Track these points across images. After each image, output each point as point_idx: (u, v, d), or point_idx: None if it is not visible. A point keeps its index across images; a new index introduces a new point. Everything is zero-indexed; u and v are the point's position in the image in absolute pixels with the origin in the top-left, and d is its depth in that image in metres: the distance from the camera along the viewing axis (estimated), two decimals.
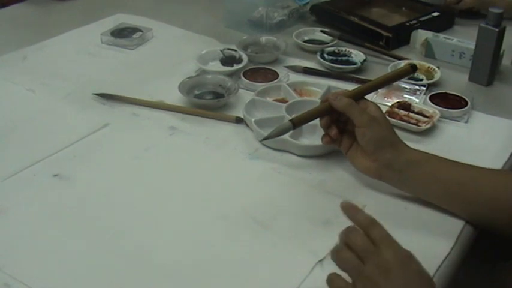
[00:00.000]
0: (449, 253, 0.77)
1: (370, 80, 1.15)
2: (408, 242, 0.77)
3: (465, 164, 0.83)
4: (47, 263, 0.75)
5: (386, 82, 0.95)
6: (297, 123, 0.87)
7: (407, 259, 0.64)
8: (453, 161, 0.85)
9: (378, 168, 0.84)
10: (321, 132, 0.95)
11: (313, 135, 0.96)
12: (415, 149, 0.85)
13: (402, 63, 1.20)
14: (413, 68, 0.95)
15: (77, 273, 0.73)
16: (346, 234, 0.66)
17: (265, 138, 0.87)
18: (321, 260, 0.75)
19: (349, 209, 0.68)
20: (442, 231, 0.80)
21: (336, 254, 0.66)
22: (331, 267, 0.74)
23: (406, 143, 0.98)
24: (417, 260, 0.65)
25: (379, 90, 1.12)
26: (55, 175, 0.90)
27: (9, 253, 0.76)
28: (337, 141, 0.88)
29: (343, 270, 0.66)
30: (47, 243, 0.78)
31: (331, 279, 0.66)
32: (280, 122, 0.93)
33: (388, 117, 1.02)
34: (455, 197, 0.81)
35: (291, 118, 0.88)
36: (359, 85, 0.94)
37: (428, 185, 0.82)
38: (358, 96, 0.88)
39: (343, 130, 0.88)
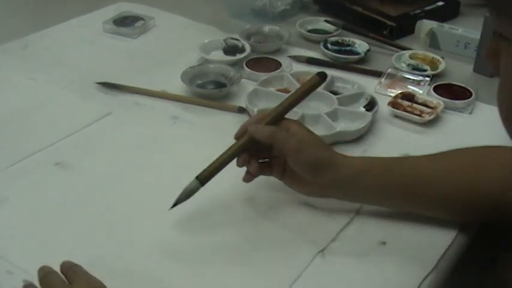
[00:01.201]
0: (450, 245, 0.76)
1: (374, 71, 1.16)
2: (409, 235, 0.78)
3: (415, 158, 0.80)
4: (49, 251, 0.75)
5: (300, 98, 0.84)
6: (206, 178, 0.78)
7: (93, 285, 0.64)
8: (402, 158, 0.82)
9: (321, 190, 0.79)
10: (324, 121, 0.95)
11: (316, 126, 0.96)
12: (356, 157, 0.81)
13: (406, 53, 1.20)
14: (322, 76, 0.84)
15: (79, 262, 0.73)
16: (42, 277, 0.66)
17: (174, 205, 0.77)
18: (321, 250, 0.75)
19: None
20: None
21: None
22: (332, 257, 0.74)
23: (409, 134, 0.98)
24: (101, 283, 0.64)
25: (382, 81, 1.12)
26: (57, 164, 0.90)
27: (11, 241, 0.76)
28: (266, 171, 0.81)
29: None
30: (49, 231, 0.78)
31: None
32: None
33: (391, 107, 1.02)
34: (408, 197, 0.77)
35: (196, 175, 0.78)
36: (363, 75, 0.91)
37: (378, 191, 0.78)
38: (278, 120, 0.80)
39: (269, 156, 0.81)
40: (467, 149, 0.79)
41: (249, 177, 0.81)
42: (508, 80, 0.47)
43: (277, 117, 0.81)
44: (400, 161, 0.82)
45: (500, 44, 0.47)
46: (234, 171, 0.80)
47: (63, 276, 0.66)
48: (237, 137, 0.81)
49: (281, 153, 0.79)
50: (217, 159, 0.79)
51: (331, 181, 0.77)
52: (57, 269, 0.68)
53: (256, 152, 0.81)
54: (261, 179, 0.84)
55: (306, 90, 0.84)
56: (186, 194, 0.77)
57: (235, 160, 0.80)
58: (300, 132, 0.78)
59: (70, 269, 0.67)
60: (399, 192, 0.78)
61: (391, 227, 0.79)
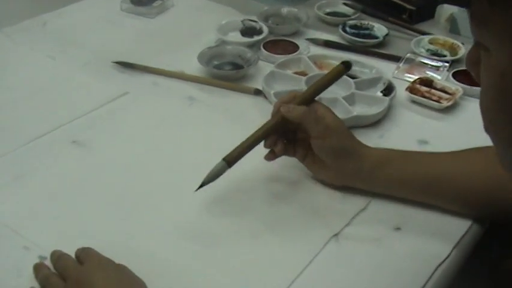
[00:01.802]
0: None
1: (392, 55, 1.15)
2: (424, 222, 0.78)
3: (433, 154, 0.81)
4: (64, 228, 0.76)
5: (327, 84, 0.85)
6: (232, 160, 0.78)
7: (103, 266, 0.65)
8: (420, 153, 0.82)
9: (342, 179, 0.80)
10: (341, 105, 0.95)
11: (332, 110, 0.95)
12: (377, 149, 0.81)
13: (426, 38, 1.19)
14: (347, 65, 0.86)
15: (94, 239, 0.74)
16: (55, 261, 0.67)
17: (201, 186, 0.77)
18: (336, 234, 0.75)
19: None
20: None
21: (44, 281, 0.66)
22: (346, 242, 0.74)
23: (427, 120, 0.98)
24: (115, 266, 0.65)
25: (400, 66, 1.11)
26: (73, 142, 0.91)
27: (27, 217, 0.77)
28: (290, 152, 0.82)
29: None
30: (65, 209, 0.79)
31: None
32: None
33: (409, 93, 1.01)
34: (426, 189, 0.78)
35: (224, 157, 0.78)
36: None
37: (397, 182, 0.79)
38: (307, 102, 0.81)
39: (294, 139, 0.82)
40: (486, 148, 0.79)
41: (271, 157, 0.82)
42: (487, 88, 0.48)
43: (307, 99, 0.82)
44: (420, 156, 0.82)
45: (480, 53, 0.48)
46: (252, 154, 0.80)
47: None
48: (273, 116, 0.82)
49: (306, 136, 0.80)
50: (245, 140, 0.79)
51: (352, 170, 0.79)
52: (72, 253, 0.69)
53: (282, 133, 0.82)
54: (280, 162, 0.85)
55: (332, 78, 0.85)
56: (213, 176, 0.77)
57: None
58: (327, 117, 0.80)
59: (82, 251, 0.68)
60: (417, 186, 0.78)
61: (406, 213, 0.79)
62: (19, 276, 0.68)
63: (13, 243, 0.73)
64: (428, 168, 0.78)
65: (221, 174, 0.77)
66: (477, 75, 0.50)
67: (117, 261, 0.70)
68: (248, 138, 0.79)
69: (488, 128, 0.51)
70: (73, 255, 0.70)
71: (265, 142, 0.81)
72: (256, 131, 0.80)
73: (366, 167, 0.78)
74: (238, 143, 0.79)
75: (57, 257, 0.68)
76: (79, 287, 0.63)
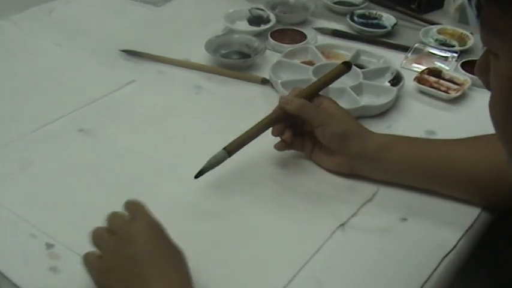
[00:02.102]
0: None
1: (401, 45, 1.14)
2: (431, 212, 0.77)
3: (439, 140, 0.81)
4: (71, 215, 0.76)
5: (329, 81, 0.87)
6: (232, 150, 0.79)
7: (149, 226, 0.64)
8: (426, 139, 0.83)
9: (348, 162, 0.80)
10: (349, 95, 0.94)
11: (340, 99, 0.95)
12: (382, 134, 0.82)
13: (434, 28, 1.18)
14: (348, 66, 0.89)
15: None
16: (108, 219, 0.67)
17: (199, 174, 0.77)
18: (342, 224, 0.75)
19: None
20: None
21: (93, 234, 0.66)
22: (353, 232, 0.74)
23: (435, 110, 0.97)
24: (162, 230, 0.64)
25: (408, 56, 1.11)
26: (80, 130, 0.91)
27: (34, 205, 0.77)
28: (298, 146, 0.84)
29: (95, 246, 0.65)
30: (71, 196, 0.79)
31: (84, 258, 0.65)
32: (306, 85, 0.91)
33: (417, 83, 1.00)
34: (431, 175, 0.78)
35: (224, 146, 0.79)
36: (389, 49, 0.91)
37: (403, 167, 0.79)
38: (310, 96, 0.83)
39: (301, 133, 0.83)
40: (493, 135, 0.78)
41: (281, 146, 0.83)
42: (497, 95, 0.48)
43: (310, 94, 0.83)
44: (425, 140, 0.82)
45: (490, 60, 0.48)
46: (258, 144, 0.80)
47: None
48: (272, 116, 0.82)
49: (310, 128, 0.81)
50: (246, 131, 0.80)
51: (357, 154, 0.79)
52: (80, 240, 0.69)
53: (290, 127, 0.82)
54: (286, 152, 0.85)
55: (333, 77, 0.87)
56: (212, 164, 0.78)
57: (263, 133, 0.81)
58: (330, 107, 0.81)
59: (133, 206, 0.68)
60: (422, 171, 0.78)
61: (412, 204, 0.79)
62: (26, 263, 0.69)
63: (20, 230, 0.73)
64: (433, 152, 0.78)
65: (221, 162, 0.78)
66: (487, 83, 0.50)
67: None
68: (250, 129, 0.81)
69: (498, 135, 0.51)
70: (78, 244, 0.70)
71: (272, 130, 0.81)
72: (258, 122, 0.81)
73: (370, 149, 0.78)
74: (243, 132, 0.80)
75: (111, 212, 0.68)
76: (123, 243, 0.63)
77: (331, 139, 0.79)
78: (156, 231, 0.64)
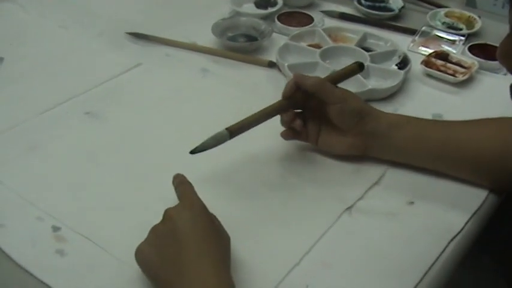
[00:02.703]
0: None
1: (408, 28, 1.13)
2: (437, 196, 0.77)
3: (448, 121, 0.81)
4: (77, 198, 0.76)
5: (335, 81, 0.83)
6: (234, 132, 0.77)
7: (193, 208, 0.64)
8: (435, 120, 0.83)
9: (361, 142, 0.80)
10: (356, 78, 0.94)
11: (347, 83, 0.94)
12: (392, 113, 0.82)
13: (442, 11, 1.17)
14: (361, 66, 0.87)
15: (106, 209, 0.74)
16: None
17: (198, 151, 0.76)
18: (349, 208, 0.75)
19: (175, 177, 0.72)
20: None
21: None
22: (359, 215, 0.74)
23: (442, 94, 0.97)
24: (205, 213, 0.65)
25: (415, 39, 1.10)
26: (86, 113, 0.91)
27: (41, 188, 0.77)
28: (302, 135, 0.82)
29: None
30: (77, 179, 0.79)
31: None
32: (313, 68, 0.92)
33: (424, 66, 1.00)
34: (440, 155, 0.78)
35: (227, 127, 0.77)
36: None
37: (412, 146, 0.79)
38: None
39: (303, 122, 0.81)
40: (501, 118, 0.78)
41: (289, 134, 0.82)
42: None
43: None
44: (433, 121, 0.83)
45: None
46: (265, 130, 0.80)
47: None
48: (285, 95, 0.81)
49: (314, 115, 0.80)
50: (250, 116, 0.79)
51: (371, 132, 0.78)
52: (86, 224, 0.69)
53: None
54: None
55: (344, 75, 0.85)
56: (212, 143, 0.76)
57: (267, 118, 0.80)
58: (341, 88, 0.81)
59: (180, 186, 0.69)
60: (430, 150, 0.78)
61: (419, 187, 0.79)
62: (33, 246, 0.69)
63: (27, 213, 0.73)
64: (441, 132, 0.79)
65: (221, 143, 0.76)
66: (510, 67, 0.48)
67: (129, 231, 0.70)
68: (254, 114, 0.79)
69: None
70: (85, 227, 0.71)
71: (282, 119, 0.81)
72: (263, 109, 0.80)
73: (383, 127, 0.78)
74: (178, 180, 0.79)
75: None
76: (165, 221, 0.64)
77: (349, 116, 0.78)
78: (199, 213, 0.64)
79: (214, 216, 0.67)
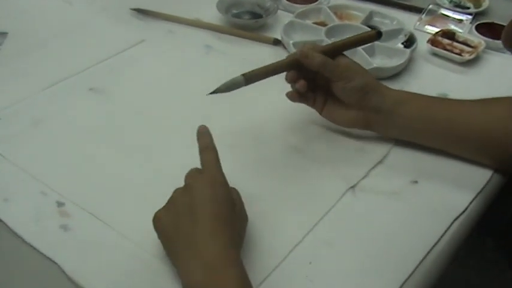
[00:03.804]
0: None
1: (414, 6, 1.12)
2: (441, 175, 0.77)
3: (454, 100, 0.80)
4: (81, 173, 0.76)
5: (350, 46, 0.83)
6: (249, 79, 0.77)
7: (213, 181, 0.64)
8: (441, 98, 0.82)
9: (365, 116, 0.79)
10: (361, 56, 0.93)
11: None
12: (399, 90, 0.82)
13: None
14: (379, 34, 0.85)
15: (111, 184, 0.74)
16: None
17: (213, 92, 0.76)
18: (352, 187, 0.75)
19: (200, 134, 0.70)
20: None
21: None
22: (363, 194, 0.74)
23: (448, 73, 0.97)
24: (224, 186, 0.65)
25: (422, 17, 1.09)
26: (90, 89, 0.90)
27: (45, 163, 0.78)
28: (309, 100, 0.82)
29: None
30: (81, 154, 0.79)
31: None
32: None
33: (430, 45, 0.99)
34: (445, 133, 0.78)
35: (244, 73, 0.77)
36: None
37: (417, 123, 0.78)
38: (328, 53, 0.79)
39: (313, 88, 0.81)
40: (506, 98, 0.78)
41: (293, 95, 0.82)
42: None
43: (327, 52, 0.80)
44: (440, 99, 0.82)
45: None
46: (268, 106, 0.80)
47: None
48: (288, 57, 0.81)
49: (324, 82, 0.79)
50: (264, 66, 0.79)
51: (375, 108, 0.78)
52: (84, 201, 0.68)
53: (303, 76, 0.80)
54: (295, 114, 0.84)
55: (360, 39, 0.84)
56: (228, 86, 0.76)
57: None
58: (348, 63, 0.79)
59: (205, 156, 0.68)
60: (436, 128, 0.77)
61: (423, 167, 0.78)
62: (37, 220, 0.69)
63: (31, 188, 0.74)
64: (447, 110, 0.78)
65: (236, 87, 0.76)
66: None
67: (133, 207, 0.71)
68: (269, 64, 0.79)
69: None
70: (88, 202, 0.71)
71: (286, 75, 0.80)
72: (276, 62, 0.80)
73: (388, 103, 0.78)
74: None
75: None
76: (184, 192, 0.64)
77: (352, 93, 0.78)
78: (218, 190, 0.64)
79: (237, 193, 0.67)
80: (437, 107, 0.78)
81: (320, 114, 0.83)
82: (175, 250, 0.62)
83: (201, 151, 0.68)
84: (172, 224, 0.62)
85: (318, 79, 0.81)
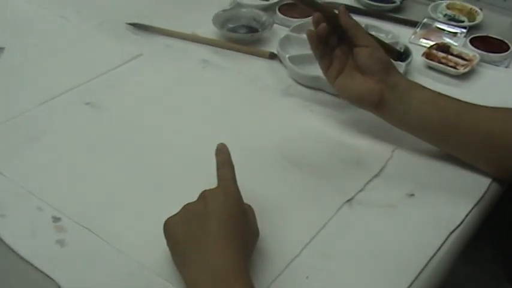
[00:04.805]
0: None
1: (409, 20, 1.13)
2: (438, 188, 0.77)
3: (462, 100, 0.80)
4: (77, 189, 0.76)
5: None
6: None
7: (227, 192, 0.65)
8: (450, 96, 0.82)
9: (381, 90, 0.79)
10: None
11: None
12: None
13: (443, 3, 1.17)
14: (399, 55, 0.90)
15: (106, 199, 0.74)
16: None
17: None
18: (349, 200, 0.75)
19: (218, 151, 0.71)
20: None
21: None
22: (360, 207, 0.74)
23: (443, 86, 0.97)
24: (238, 199, 0.65)
25: (417, 31, 1.10)
26: (87, 103, 0.91)
27: (41, 178, 0.77)
28: (325, 59, 0.83)
29: None
30: (78, 169, 0.79)
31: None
32: (315, 60, 0.91)
33: (425, 59, 1.00)
34: (451, 129, 0.78)
35: None
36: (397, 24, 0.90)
37: (428, 109, 0.78)
38: None
39: (330, 54, 0.83)
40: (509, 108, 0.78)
41: (312, 35, 0.82)
42: None
43: None
44: (448, 96, 0.81)
45: None
46: (264, 122, 0.80)
47: None
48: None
49: (344, 51, 0.82)
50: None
51: (393, 84, 0.79)
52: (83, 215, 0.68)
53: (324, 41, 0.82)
54: (291, 127, 0.84)
55: (386, 47, 0.86)
56: None
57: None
58: (374, 36, 0.83)
59: (222, 168, 0.68)
60: (445, 118, 0.78)
61: (419, 179, 0.78)
62: (33, 236, 0.69)
63: (27, 204, 0.73)
64: (457, 104, 0.79)
65: None
66: None
67: (129, 222, 0.70)
68: (320, 2, 0.83)
69: None
70: (85, 217, 0.71)
71: (313, 16, 0.82)
72: (325, 5, 0.83)
73: (405, 83, 0.80)
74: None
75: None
76: (199, 202, 0.64)
77: (378, 62, 0.80)
78: (232, 201, 0.64)
79: (251, 209, 0.67)
80: (447, 99, 0.79)
81: (332, 84, 0.83)
82: (184, 258, 0.62)
83: (219, 166, 0.69)
84: (183, 232, 0.62)
85: (341, 43, 0.82)
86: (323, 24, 0.81)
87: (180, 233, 0.63)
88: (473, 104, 0.79)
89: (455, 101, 0.79)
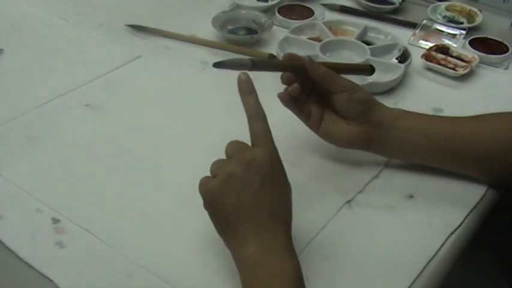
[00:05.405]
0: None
1: (408, 22, 1.13)
2: (437, 190, 0.77)
3: (452, 117, 0.80)
4: (77, 190, 0.76)
5: (345, 71, 0.83)
6: (256, 65, 0.73)
7: (271, 159, 0.63)
8: (434, 115, 0.82)
9: (367, 132, 0.76)
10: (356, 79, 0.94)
11: (347, 77, 0.94)
12: (396, 108, 0.80)
13: (443, 5, 1.17)
14: (372, 70, 0.88)
15: (105, 201, 0.74)
16: (227, 146, 0.65)
17: (218, 65, 0.73)
18: (349, 201, 0.75)
19: (244, 88, 0.67)
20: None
21: (211, 165, 0.65)
22: (359, 208, 0.74)
23: (442, 88, 0.98)
24: (280, 164, 0.64)
25: (416, 32, 1.10)
26: (86, 105, 0.91)
27: (40, 180, 0.77)
28: (304, 113, 0.78)
29: (211, 173, 0.64)
30: (77, 170, 0.79)
31: (199, 182, 0.64)
32: None
33: (424, 60, 1.00)
34: (443, 150, 0.77)
35: (252, 58, 0.77)
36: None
37: (416, 139, 0.76)
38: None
39: (308, 101, 0.79)
40: (502, 113, 0.78)
41: (285, 97, 0.78)
42: None
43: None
44: (438, 116, 0.82)
45: None
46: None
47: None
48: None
49: (320, 100, 0.78)
50: (275, 60, 0.81)
51: (377, 122, 0.76)
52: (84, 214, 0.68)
53: (301, 83, 0.78)
54: (290, 128, 0.84)
55: (356, 69, 0.88)
56: (234, 63, 0.73)
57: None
58: (347, 79, 0.78)
59: (255, 121, 0.65)
60: (435, 143, 0.76)
61: (419, 181, 0.79)
62: (32, 238, 0.69)
63: (26, 205, 0.73)
64: (445, 127, 0.77)
65: (242, 66, 0.73)
66: None
67: (129, 223, 0.70)
68: (278, 60, 0.81)
69: None
70: (84, 219, 0.70)
71: (282, 76, 0.77)
72: (283, 60, 0.79)
73: (388, 118, 0.76)
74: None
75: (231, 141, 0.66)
76: (245, 170, 0.61)
77: (358, 105, 0.76)
78: (276, 167, 0.63)
79: (290, 187, 0.66)
80: (435, 123, 0.78)
81: (316, 132, 0.80)
82: (234, 230, 0.61)
83: (251, 119, 0.65)
84: (233, 205, 0.60)
85: (316, 92, 0.78)
86: (295, 85, 0.76)
87: (230, 205, 0.60)
88: (459, 121, 0.78)
89: (442, 123, 0.78)
